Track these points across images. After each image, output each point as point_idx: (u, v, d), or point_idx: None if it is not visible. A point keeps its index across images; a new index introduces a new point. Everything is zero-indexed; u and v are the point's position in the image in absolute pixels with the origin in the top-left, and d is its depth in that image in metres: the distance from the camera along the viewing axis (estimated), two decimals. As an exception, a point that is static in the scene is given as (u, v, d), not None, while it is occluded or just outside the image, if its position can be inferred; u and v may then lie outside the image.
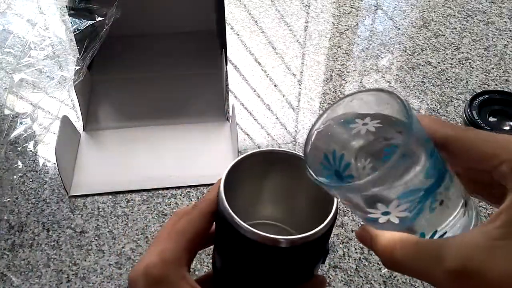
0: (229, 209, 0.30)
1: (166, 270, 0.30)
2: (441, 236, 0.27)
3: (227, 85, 0.83)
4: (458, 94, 0.82)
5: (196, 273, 0.59)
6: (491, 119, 0.77)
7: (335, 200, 0.32)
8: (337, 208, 0.32)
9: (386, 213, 0.26)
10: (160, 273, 0.29)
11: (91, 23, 0.70)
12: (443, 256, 0.23)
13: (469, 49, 0.92)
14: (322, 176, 0.28)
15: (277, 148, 0.37)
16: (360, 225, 0.30)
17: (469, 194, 0.28)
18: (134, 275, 0.30)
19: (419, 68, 0.88)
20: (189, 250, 0.31)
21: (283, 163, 0.35)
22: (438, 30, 0.96)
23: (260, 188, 0.37)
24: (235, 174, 0.33)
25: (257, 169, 0.35)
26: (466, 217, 0.28)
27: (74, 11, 0.70)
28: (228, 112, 0.78)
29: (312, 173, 0.28)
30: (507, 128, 0.76)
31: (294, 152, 0.35)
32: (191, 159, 0.72)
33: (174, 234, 0.31)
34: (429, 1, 1.04)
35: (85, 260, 0.60)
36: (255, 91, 0.83)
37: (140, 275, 0.29)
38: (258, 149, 0.34)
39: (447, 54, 0.91)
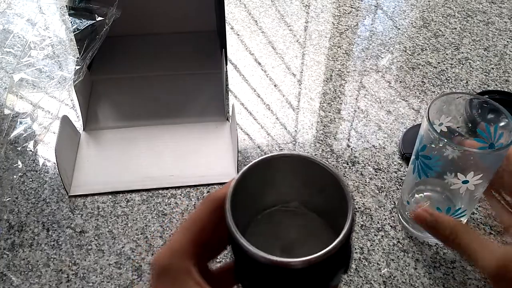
0: (237, 234, 0.29)
1: (171, 260, 0.31)
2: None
3: (227, 85, 0.83)
4: (458, 94, 0.83)
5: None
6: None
7: (350, 204, 0.31)
8: (353, 215, 0.30)
9: None
10: (166, 263, 0.31)
11: (91, 23, 0.70)
12: (484, 262, 0.35)
13: (469, 49, 0.92)
14: None
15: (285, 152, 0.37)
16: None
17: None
18: (152, 261, 0.32)
19: (419, 68, 0.88)
20: (196, 243, 0.32)
21: (292, 165, 0.35)
22: (438, 30, 0.96)
23: (271, 183, 0.37)
24: (243, 183, 0.33)
25: (265, 173, 0.35)
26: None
27: (74, 11, 0.70)
28: (228, 112, 0.78)
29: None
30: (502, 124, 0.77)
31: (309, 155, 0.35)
32: (191, 159, 0.72)
33: (185, 226, 0.32)
34: (429, 1, 1.04)
35: (85, 260, 0.60)
36: (255, 91, 0.83)
37: (153, 262, 0.31)
38: (266, 155, 0.34)
39: (447, 54, 0.91)
